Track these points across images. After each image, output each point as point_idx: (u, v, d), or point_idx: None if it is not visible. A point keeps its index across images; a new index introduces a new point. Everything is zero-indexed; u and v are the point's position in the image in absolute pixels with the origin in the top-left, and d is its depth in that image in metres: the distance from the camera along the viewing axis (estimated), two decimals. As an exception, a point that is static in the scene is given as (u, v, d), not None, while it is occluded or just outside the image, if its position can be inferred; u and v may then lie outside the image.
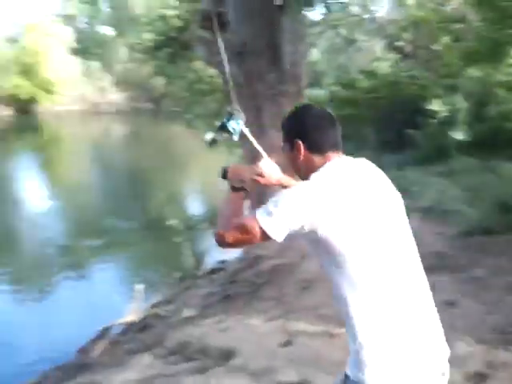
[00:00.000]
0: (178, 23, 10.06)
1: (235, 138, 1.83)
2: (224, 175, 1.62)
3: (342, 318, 1.39)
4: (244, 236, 1.35)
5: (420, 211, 5.79)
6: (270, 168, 1.67)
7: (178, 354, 3.83)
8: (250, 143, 1.86)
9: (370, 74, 12.01)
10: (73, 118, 32.63)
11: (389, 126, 10.12)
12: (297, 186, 1.40)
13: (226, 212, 1.49)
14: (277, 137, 6.46)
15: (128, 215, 10.86)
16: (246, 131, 1.83)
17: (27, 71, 31.44)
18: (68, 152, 21.52)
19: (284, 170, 1.71)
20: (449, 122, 9.40)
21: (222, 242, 1.41)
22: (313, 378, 3.00)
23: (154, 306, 5.19)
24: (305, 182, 1.41)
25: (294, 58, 6.90)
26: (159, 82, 31.25)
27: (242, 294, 4.97)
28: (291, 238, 1.35)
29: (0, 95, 30.01)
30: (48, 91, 32.47)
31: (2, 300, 6.62)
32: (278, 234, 1.30)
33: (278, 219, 1.28)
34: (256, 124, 6.92)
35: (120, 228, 9.89)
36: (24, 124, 27.66)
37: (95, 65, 36.03)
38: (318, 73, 16.24)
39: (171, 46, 10.19)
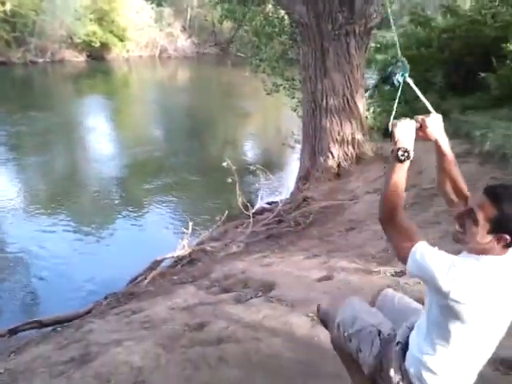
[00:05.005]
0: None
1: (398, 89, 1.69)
2: (391, 131, 1.54)
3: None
4: (395, 240, 1.47)
5: (480, 155, 5.46)
6: (434, 123, 1.60)
7: (221, 285, 3.96)
8: (416, 96, 1.74)
9: (452, 10, 11.05)
10: (142, 64, 33.33)
11: (458, 69, 9.47)
12: (453, 263, 1.37)
13: (388, 187, 1.51)
14: (339, 79, 6.25)
15: (187, 156, 11.21)
16: (411, 83, 1.70)
17: (102, 18, 32.06)
18: (134, 95, 22.10)
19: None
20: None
21: (381, 225, 1.53)
22: (347, 310, 2.99)
23: (202, 242, 5.36)
24: (466, 258, 1.42)
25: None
26: (228, 26, 31.33)
27: (287, 233, 5.00)
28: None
29: (74, 42, 30.87)
30: (120, 38, 33.09)
31: (63, 236, 7.06)
32: (411, 271, 1.42)
33: (421, 264, 1.37)
34: (319, 66, 6.75)
35: (179, 168, 10.26)
36: (95, 70, 28.51)
37: (167, 11, 36.20)
38: (391, 12, 15.25)
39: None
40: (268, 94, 10.32)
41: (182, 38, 37.25)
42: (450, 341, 1.43)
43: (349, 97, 6.94)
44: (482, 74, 8.72)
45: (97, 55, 31.95)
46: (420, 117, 1.60)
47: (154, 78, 28.43)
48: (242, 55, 17.24)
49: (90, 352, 2.93)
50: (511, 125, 6.50)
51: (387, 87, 9.34)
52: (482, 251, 1.40)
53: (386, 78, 1.73)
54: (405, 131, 1.51)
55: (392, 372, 1.60)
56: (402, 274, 3.43)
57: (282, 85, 10.01)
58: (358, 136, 7.07)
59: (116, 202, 8.58)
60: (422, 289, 3.13)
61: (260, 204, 6.34)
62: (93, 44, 31.06)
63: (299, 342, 2.77)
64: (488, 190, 1.38)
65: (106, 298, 4.39)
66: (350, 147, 7.02)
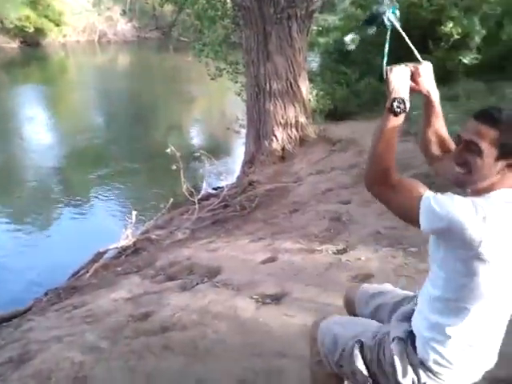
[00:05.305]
0: None
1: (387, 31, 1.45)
2: (386, 77, 1.35)
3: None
4: (396, 201, 1.25)
5: (416, 134, 5.66)
6: (426, 72, 1.43)
7: (166, 274, 3.91)
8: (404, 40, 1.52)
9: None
10: (80, 50, 31.79)
11: (397, 51, 9.75)
12: (474, 204, 1.16)
13: (380, 145, 1.29)
14: (281, 63, 6.26)
15: (129, 143, 10.91)
16: (398, 26, 1.47)
17: (36, 2, 30.10)
18: (72, 82, 21.16)
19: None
20: (459, 46, 9.01)
21: (368, 189, 1.33)
22: (291, 289, 3.04)
23: (146, 231, 5.26)
24: (477, 199, 1.19)
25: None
26: (169, 9, 30.34)
27: (233, 218, 5.00)
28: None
29: (6, 27, 28.94)
30: (56, 22, 31.30)
31: (2, 229, 6.73)
32: (426, 227, 1.19)
33: (440, 213, 1.14)
34: (262, 50, 6.72)
35: (121, 156, 9.95)
36: (30, 56, 26.99)
37: (105, -6, 34.73)
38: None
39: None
40: (212, 78, 10.19)
41: (122, 22, 35.85)
42: (478, 301, 1.22)
43: (292, 80, 6.97)
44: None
45: (31, 41, 30.21)
46: (412, 64, 1.42)
47: (93, 63, 27.32)
48: (185, 39, 16.87)
49: (30, 350, 2.82)
50: (446, 103, 6.78)
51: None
52: (492, 186, 1.22)
53: (372, 19, 1.49)
54: (401, 78, 1.34)
55: (399, 374, 1.35)
56: (343, 251, 3.51)
57: (225, 69, 9.90)
58: (302, 119, 7.14)
59: (57, 192, 8.28)
60: (363, 265, 3.23)
61: (206, 190, 6.29)
62: (26, 29, 29.35)
63: (245, 325, 2.79)
64: (481, 114, 1.22)
65: (46, 294, 4.23)
66: (294, 130, 7.09)
